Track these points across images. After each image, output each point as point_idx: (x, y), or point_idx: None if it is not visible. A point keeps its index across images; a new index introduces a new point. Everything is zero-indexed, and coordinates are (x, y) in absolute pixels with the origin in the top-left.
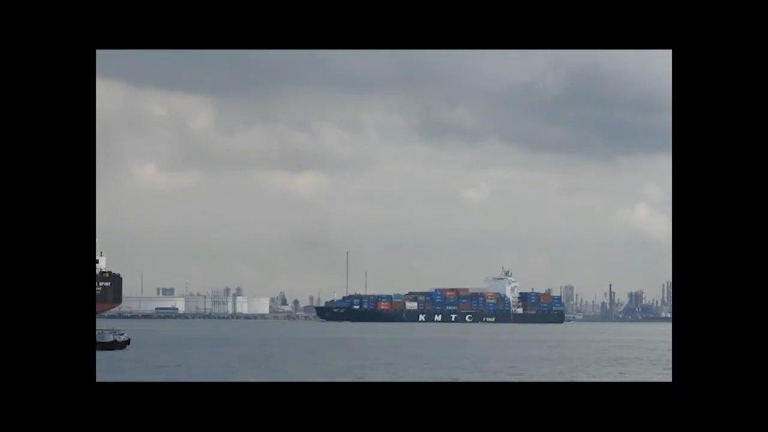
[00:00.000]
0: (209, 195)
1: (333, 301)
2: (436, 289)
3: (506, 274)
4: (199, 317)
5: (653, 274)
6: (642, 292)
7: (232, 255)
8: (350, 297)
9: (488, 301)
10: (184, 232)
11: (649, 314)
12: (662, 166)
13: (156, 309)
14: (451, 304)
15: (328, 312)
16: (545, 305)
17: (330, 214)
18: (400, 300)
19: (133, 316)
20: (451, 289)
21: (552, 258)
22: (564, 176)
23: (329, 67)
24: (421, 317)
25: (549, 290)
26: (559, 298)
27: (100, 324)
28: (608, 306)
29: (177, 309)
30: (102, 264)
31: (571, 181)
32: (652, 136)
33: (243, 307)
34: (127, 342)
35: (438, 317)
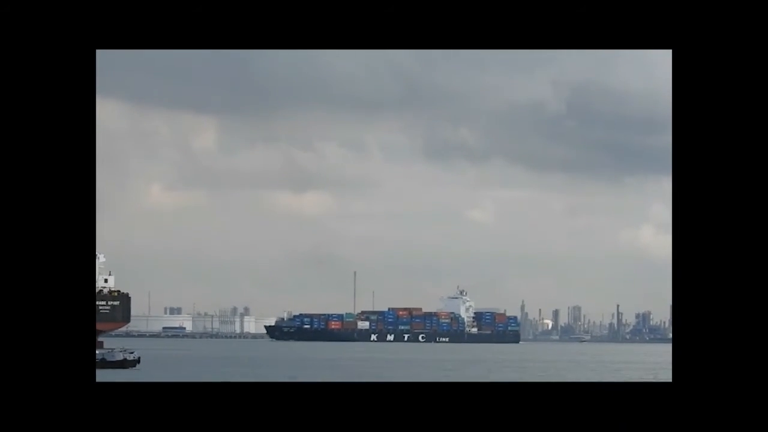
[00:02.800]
0: (215, 214)
1: (283, 320)
2: (389, 309)
3: (461, 293)
4: (207, 336)
5: (661, 295)
6: (649, 313)
7: (239, 274)
8: (300, 316)
9: (442, 320)
10: (190, 251)
11: (656, 335)
12: (668, 186)
13: (163, 328)
14: (403, 324)
15: (278, 331)
16: (500, 325)
17: (335, 234)
18: (351, 320)
19: (141, 336)
20: (404, 309)
21: (558, 278)
22: (569, 196)
23: (332, 86)
24: (373, 337)
25: (500, 309)
26: (516, 318)
27: (109, 343)
28: (616, 327)
29: (184, 328)
30: (111, 283)
31: (576, 201)
32: (658, 157)
33: (250, 326)
34: (137, 361)
35: (390, 337)
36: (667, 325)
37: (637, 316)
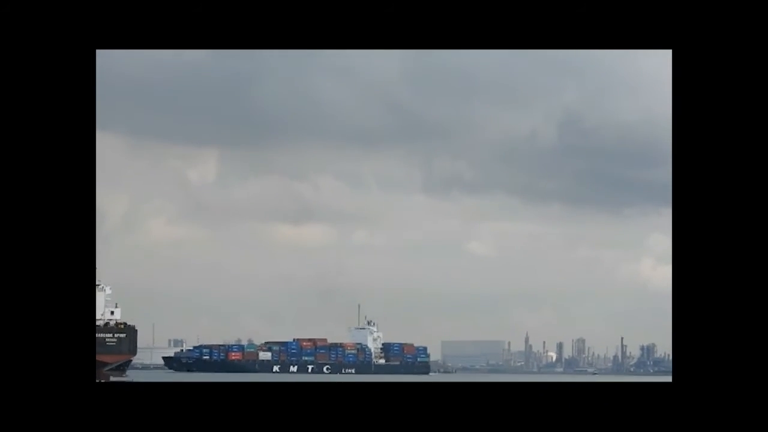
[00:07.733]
0: (217, 247)
1: (182, 351)
2: (294, 339)
3: (369, 323)
4: None
5: (665, 327)
6: (654, 346)
7: (242, 306)
8: (200, 347)
9: (348, 351)
10: (194, 283)
11: (660, 368)
12: (668, 218)
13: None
14: (307, 355)
15: (176, 362)
16: (409, 356)
17: (337, 265)
18: (253, 350)
19: (144, 368)
20: (308, 339)
21: (561, 311)
22: (568, 228)
23: (328, 119)
24: (276, 368)
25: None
26: (425, 348)
27: (115, 376)
28: (620, 359)
29: None
30: (117, 315)
31: (575, 234)
32: (657, 188)
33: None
34: None
35: (294, 368)
36: (671, 357)
37: (642, 348)
